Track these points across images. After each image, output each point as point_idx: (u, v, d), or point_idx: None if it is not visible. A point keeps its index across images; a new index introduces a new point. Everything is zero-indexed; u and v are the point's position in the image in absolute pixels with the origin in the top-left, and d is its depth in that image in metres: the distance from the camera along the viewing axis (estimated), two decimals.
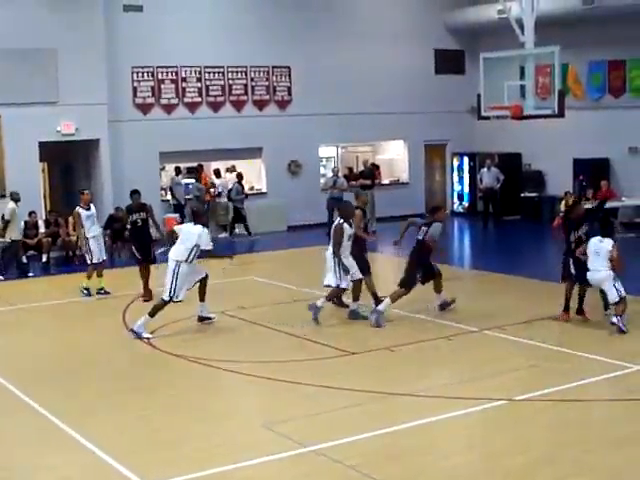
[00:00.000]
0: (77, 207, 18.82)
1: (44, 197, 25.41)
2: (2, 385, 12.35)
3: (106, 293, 18.68)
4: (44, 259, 22.31)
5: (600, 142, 27.22)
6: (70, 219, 21.43)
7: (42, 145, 24.11)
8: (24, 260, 22.24)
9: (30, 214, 22.56)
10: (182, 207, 26.54)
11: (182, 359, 13.37)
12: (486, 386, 11.57)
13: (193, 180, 26.91)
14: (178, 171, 27.05)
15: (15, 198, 21.77)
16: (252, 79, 28.08)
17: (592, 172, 27.06)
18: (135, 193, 18.50)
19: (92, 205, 19.06)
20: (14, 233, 21.84)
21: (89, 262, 18.65)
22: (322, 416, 10.58)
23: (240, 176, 27.20)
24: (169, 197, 27.01)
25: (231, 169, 28.47)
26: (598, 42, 26.96)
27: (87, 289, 18.64)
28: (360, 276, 15.57)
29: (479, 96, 19.86)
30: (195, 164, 27.22)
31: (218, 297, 18.06)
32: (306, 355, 13.37)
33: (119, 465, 9.20)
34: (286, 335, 14.66)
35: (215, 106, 27.56)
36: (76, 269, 21.79)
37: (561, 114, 18.80)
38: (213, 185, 27.47)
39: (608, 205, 24.97)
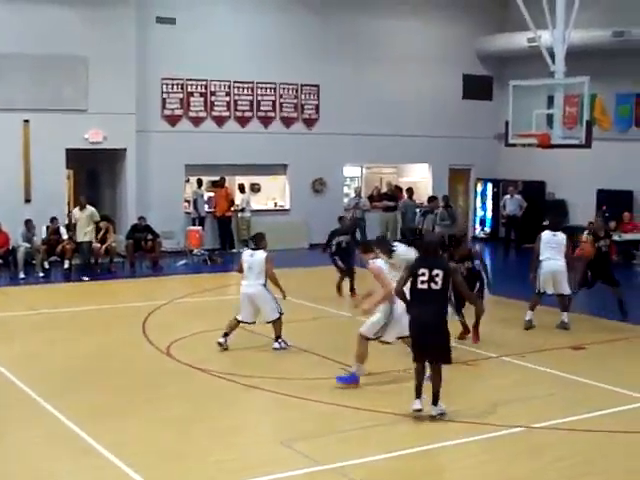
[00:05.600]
0: None
1: (68, 204, 25.57)
2: (20, 390, 12.42)
3: None
4: (66, 265, 22.45)
5: (625, 174, 27.19)
6: None
7: (69, 152, 24.28)
8: (46, 265, 22.44)
9: (52, 220, 22.75)
10: (203, 220, 26.69)
11: (202, 372, 13.40)
12: (504, 413, 11.54)
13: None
14: (200, 183, 27.19)
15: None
16: (281, 96, 28.22)
17: (615, 203, 27.02)
18: None
19: None
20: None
21: None
22: (340, 435, 10.58)
23: (446, 199, 26.90)
24: (191, 209, 27.09)
25: (256, 187, 28.68)
26: (627, 74, 27.01)
27: None
28: None
29: (507, 123, 19.85)
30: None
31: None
32: (325, 373, 13.37)
33: (135, 474, 9.23)
34: (306, 353, 14.69)
35: (243, 121, 27.70)
36: (97, 277, 22.02)
37: (588, 145, 18.77)
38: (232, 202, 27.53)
39: (632, 237, 24.99)
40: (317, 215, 27.64)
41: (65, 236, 22.89)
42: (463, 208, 32.29)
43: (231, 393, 12.49)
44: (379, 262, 12.85)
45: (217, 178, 27.58)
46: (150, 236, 23.85)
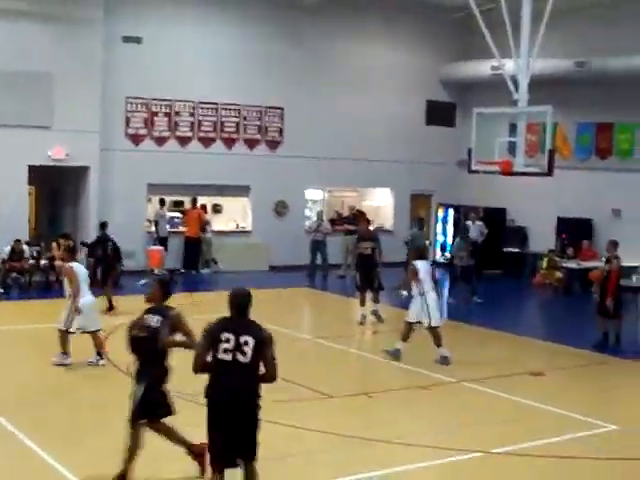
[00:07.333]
0: None
1: (29, 220, 25.40)
2: None
3: None
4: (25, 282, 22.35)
5: (584, 202, 27.46)
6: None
7: (31, 168, 24.15)
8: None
9: (16, 241, 22.59)
10: (165, 240, 26.60)
11: None
12: (462, 437, 11.60)
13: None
14: (162, 203, 27.14)
15: None
16: (245, 118, 28.27)
17: (575, 231, 27.31)
18: None
19: None
20: None
21: None
22: (297, 458, 10.57)
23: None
24: (153, 229, 27.00)
25: (217, 208, 28.70)
26: (588, 104, 27.34)
27: None
28: None
29: (470, 150, 19.93)
30: (183, 198, 27.48)
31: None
32: (284, 396, 13.32)
33: None
34: None
35: (206, 142, 27.72)
36: (56, 294, 21.83)
37: (550, 173, 18.90)
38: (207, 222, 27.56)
39: (588, 264, 25.19)
40: (278, 237, 27.71)
41: (27, 254, 22.73)
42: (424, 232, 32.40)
43: (189, 415, 12.41)
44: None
45: (180, 198, 27.63)
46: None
